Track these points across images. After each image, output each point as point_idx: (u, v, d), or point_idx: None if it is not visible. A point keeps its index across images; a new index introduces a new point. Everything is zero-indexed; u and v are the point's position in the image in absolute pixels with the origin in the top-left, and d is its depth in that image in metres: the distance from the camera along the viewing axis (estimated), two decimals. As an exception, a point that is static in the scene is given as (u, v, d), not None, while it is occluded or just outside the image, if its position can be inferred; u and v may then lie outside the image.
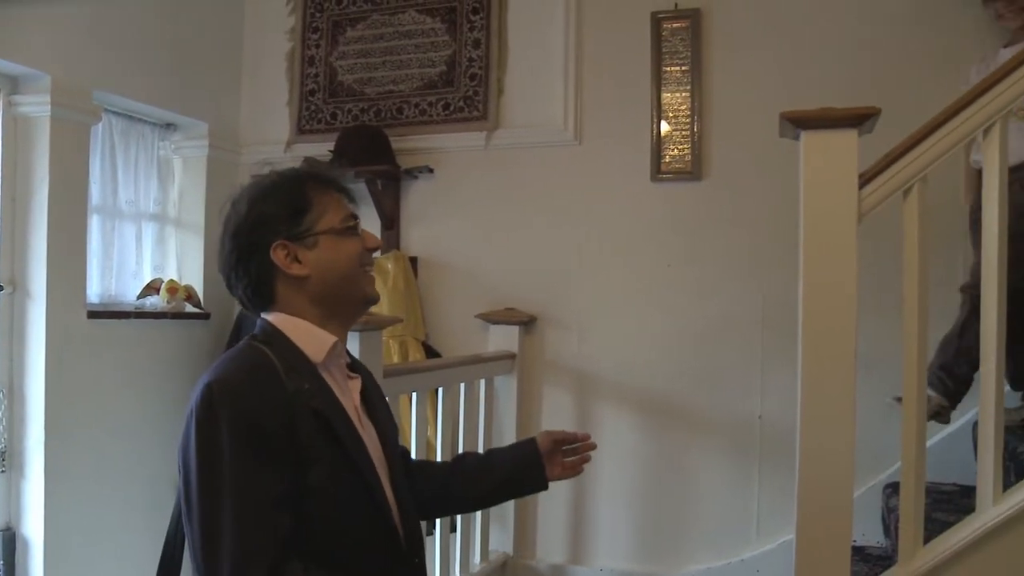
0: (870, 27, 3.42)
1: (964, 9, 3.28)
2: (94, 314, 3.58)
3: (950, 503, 2.72)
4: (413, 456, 1.97)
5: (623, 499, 3.69)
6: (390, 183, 4.03)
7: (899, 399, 2.10)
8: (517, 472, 1.89)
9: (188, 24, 4.09)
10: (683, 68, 3.67)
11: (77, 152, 3.51)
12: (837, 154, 2.03)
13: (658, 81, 3.70)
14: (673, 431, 3.66)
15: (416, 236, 4.04)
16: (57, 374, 3.38)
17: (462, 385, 3.35)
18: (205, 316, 4.12)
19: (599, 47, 3.82)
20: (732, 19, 3.64)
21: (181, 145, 4.23)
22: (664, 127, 3.68)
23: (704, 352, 3.59)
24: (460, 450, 3.37)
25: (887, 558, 2.88)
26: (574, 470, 1.93)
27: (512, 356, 3.78)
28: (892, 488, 3.00)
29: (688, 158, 3.64)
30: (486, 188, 3.95)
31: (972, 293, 2.77)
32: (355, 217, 1.64)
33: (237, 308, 4.15)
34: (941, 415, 2.86)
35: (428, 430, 3.41)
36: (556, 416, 3.81)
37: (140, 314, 3.84)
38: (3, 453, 3.34)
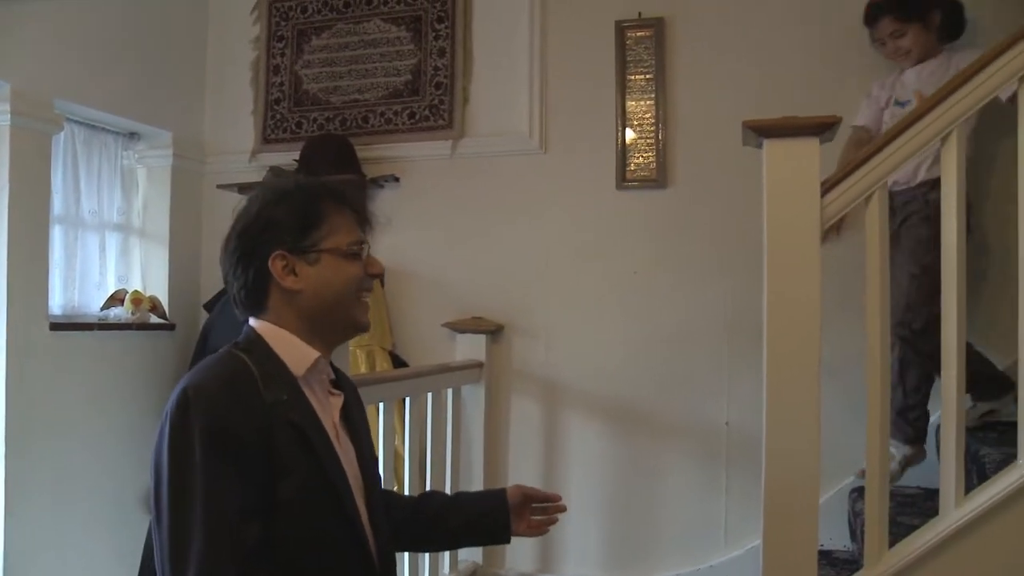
0: (832, 37, 3.45)
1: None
2: (56, 326, 3.53)
3: (914, 506, 2.75)
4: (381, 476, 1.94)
5: (592, 506, 3.69)
6: (356, 192, 4.01)
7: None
8: (482, 520, 1.87)
9: (152, 33, 4.06)
10: (647, 76, 3.69)
11: (38, 162, 3.46)
12: (799, 162, 2.05)
13: (622, 89, 3.71)
14: (641, 438, 3.67)
15: (383, 245, 3.97)
16: (18, 387, 3.33)
17: (429, 394, 3.34)
18: (170, 327, 4.09)
19: (564, 56, 3.84)
20: (696, 28, 3.66)
21: (145, 154, 4.19)
22: (629, 135, 3.70)
23: (671, 359, 3.61)
24: (428, 460, 3.36)
25: (854, 562, 2.90)
26: (539, 530, 1.90)
27: (479, 365, 3.78)
28: (858, 492, 3.02)
29: (653, 166, 3.66)
30: (452, 197, 3.95)
31: (900, 333, 2.82)
32: (363, 242, 1.63)
33: (203, 319, 4.12)
34: (913, 461, 2.91)
35: (395, 440, 3.40)
36: (524, 425, 3.81)
37: (104, 325, 3.80)
38: (-37, 468, 3.29)
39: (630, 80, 3.71)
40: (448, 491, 3.49)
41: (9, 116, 3.29)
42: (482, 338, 3.81)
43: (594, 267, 3.74)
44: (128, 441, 3.85)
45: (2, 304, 3.30)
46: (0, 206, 3.31)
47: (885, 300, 2.07)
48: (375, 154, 4.04)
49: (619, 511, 3.69)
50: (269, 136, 4.29)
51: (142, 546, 3.82)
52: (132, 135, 4.15)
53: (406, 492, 3.13)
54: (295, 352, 1.56)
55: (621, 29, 3.72)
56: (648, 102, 3.68)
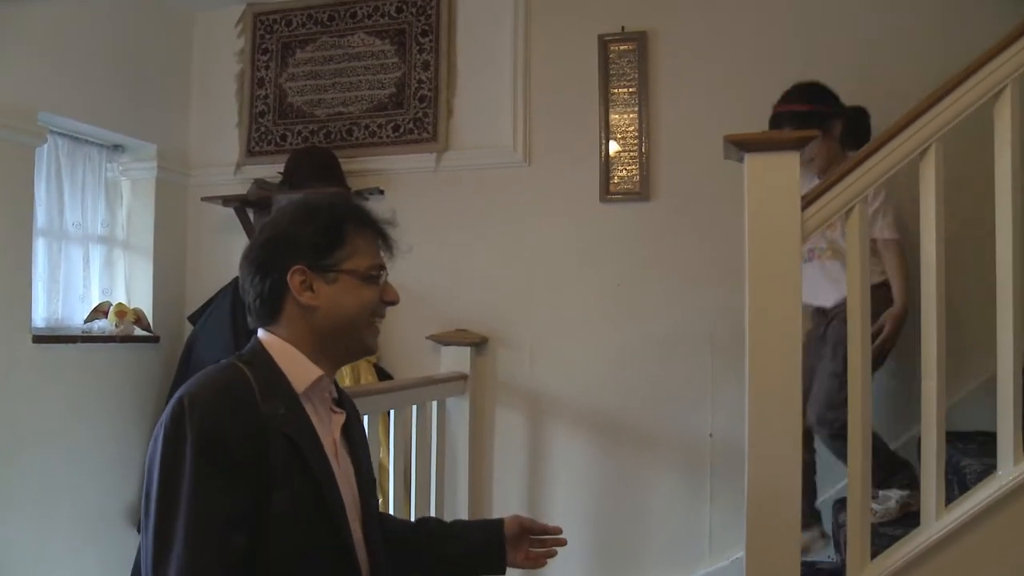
0: (813, 52, 3.48)
1: (901, 37, 3.36)
2: (40, 338, 3.52)
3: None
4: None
5: (576, 518, 3.69)
6: (341, 205, 4.01)
7: None
8: (478, 549, 1.87)
9: (136, 45, 4.06)
10: (630, 90, 3.71)
11: (22, 174, 3.47)
12: (780, 176, 2.07)
13: (606, 102, 3.73)
14: (625, 449, 3.68)
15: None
16: (1, 400, 3.31)
17: (414, 407, 3.34)
18: (154, 340, 4.08)
19: (547, 69, 3.86)
20: (678, 42, 3.69)
21: (129, 167, 4.19)
22: (612, 148, 3.72)
23: (655, 370, 3.62)
24: (413, 472, 3.35)
25: (837, 572, 2.90)
26: (536, 563, 1.93)
27: (464, 377, 3.78)
28: (841, 504, 3.03)
29: (636, 179, 3.68)
30: (436, 209, 3.96)
31: (820, 432, 2.89)
32: (383, 267, 1.65)
33: (188, 331, 4.12)
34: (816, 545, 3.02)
35: (380, 452, 3.40)
36: (509, 436, 3.82)
37: (87, 338, 3.79)
38: (-55, 482, 3.27)
39: (613, 93, 3.73)
40: (433, 504, 3.49)
41: (-8, 128, 3.29)
42: (467, 350, 3.81)
43: (578, 279, 3.75)
44: (112, 454, 3.84)
45: (-15, 317, 3.29)
46: (-17, 219, 3.30)
47: (866, 312, 2.09)
48: (359, 167, 4.05)
49: (604, 522, 3.69)
50: (254, 149, 4.29)
51: (126, 558, 3.81)
52: (116, 147, 4.14)
53: (391, 504, 3.13)
54: (299, 368, 1.57)
55: (604, 43, 3.74)
56: (631, 115, 3.70)
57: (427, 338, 3.85)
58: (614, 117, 3.72)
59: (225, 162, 4.32)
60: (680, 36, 3.69)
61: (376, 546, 1.65)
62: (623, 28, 3.72)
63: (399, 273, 1.78)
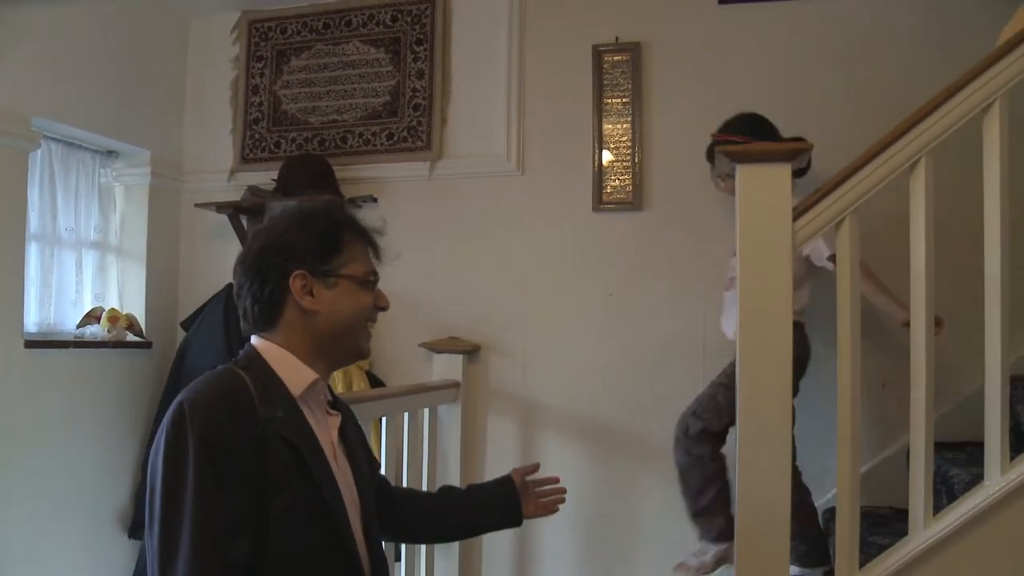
0: (805, 64, 3.52)
1: (895, 49, 3.39)
2: (32, 343, 3.52)
3: (886, 526, 2.78)
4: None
5: (568, 525, 3.70)
6: (334, 212, 4.02)
7: None
8: (498, 507, 2.03)
9: (131, 51, 4.06)
10: (624, 100, 3.73)
11: (15, 178, 3.46)
12: (771, 187, 2.08)
13: (599, 112, 3.75)
14: (617, 457, 3.68)
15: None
16: (-7, 405, 3.32)
17: (406, 414, 3.34)
18: (147, 345, 4.08)
19: (541, 79, 3.88)
20: (672, 53, 3.71)
21: (123, 172, 4.19)
22: (606, 158, 3.74)
23: (647, 379, 3.63)
24: (404, 480, 3.35)
25: (825, 581, 2.93)
26: (547, 509, 2.09)
27: (456, 385, 3.79)
28: (830, 513, 3.05)
29: (629, 188, 3.69)
30: (430, 217, 3.97)
31: (676, 432, 2.98)
32: (376, 274, 1.71)
33: (180, 337, 4.11)
34: (727, 558, 2.93)
35: (372, 459, 3.40)
36: (501, 444, 3.82)
37: (80, 343, 3.78)
38: (-64, 487, 3.27)
39: (607, 103, 3.75)
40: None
41: (-14, 133, 3.29)
42: (459, 358, 3.82)
43: (570, 288, 3.76)
44: (104, 459, 3.84)
45: (-23, 322, 3.28)
46: (-24, 223, 3.30)
47: (856, 322, 2.11)
48: (353, 174, 4.06)
49: (596, 530, 3.70)
50: (248, 155, 4.29)
51: (118, 563, 3.81)
52: (110, 153, 4.15)
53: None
54: (294, 372, 1.60)
55: (598, 53, 3.76)
56: (625, 125, 3.72)
57: (419, 345, 3.86)
58: (607, 127, 3.74)
59: (219, 169, 4.32)
60: (674, 47, 3.71)
61: (376, 544, 1.68)
62: (617, 39, 3.74)
63: (392, 281, 1.81)
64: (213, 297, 4.04)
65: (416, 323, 3.88)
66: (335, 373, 3.67)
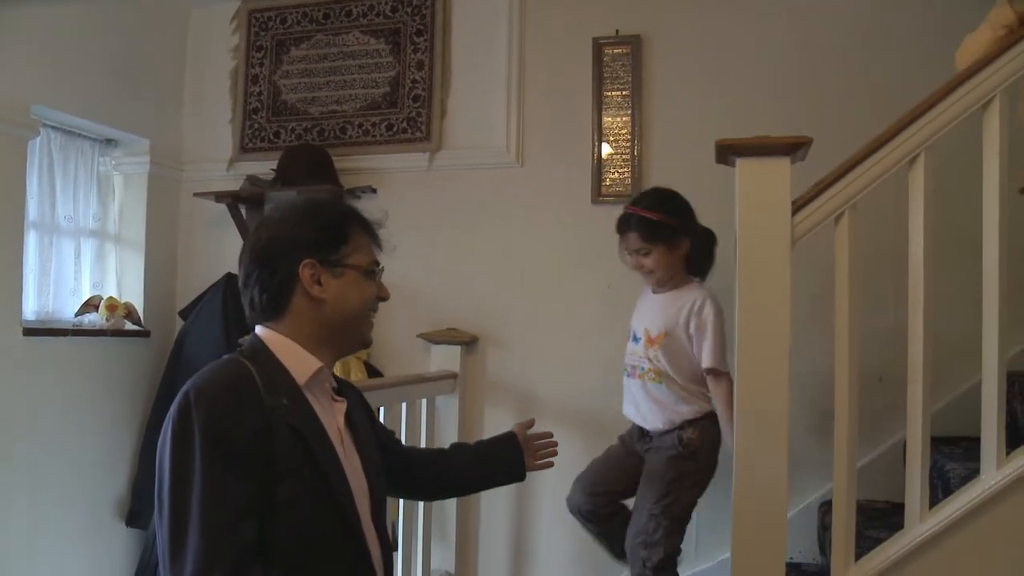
0: (805, 58, 3.52)
1: (895, 43, 3.39)
2: (30, 331, 3.53)
3: (882, 520, 2.79)
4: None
5: (564, 517, 3.68)
6: (333, 202, 4.02)
7: None
8: (503, 462, 2.14)
9: (130, 40, 4.06)
10: (624, 93, 3.73)
11: (14, 167, 3.47)
12: (771, 181, 2.08)
13: (599, 105, 3.76)
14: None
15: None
16: (-9, 392, 3.32)
17: (404, 405, 3.35)
18: (145, 334, 4.08)
19: (541, 71, 3.88)
20: (672, 46, 3.71)
21: (122, 161, 4.19)
22: (605, 150, 3.74)
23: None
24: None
25: (823, 574, 2.94)
26: (546, 464, 2.21)
27: (454, 376, 3.80)
28: (827, 506, 3.06)
29: (628, 181, 3.70)
30: (429, 208, 3.97)
31: (638, 570, 2.77)
32: (379, 264, 1.75)
33: (178, 326, 4.12)
34: None
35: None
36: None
37: (78, 331, 3.79)
38: (-66, 475, 3.27)
39: (607, 96, 3.75)
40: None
41: (-15, 121, 3.29)
42: (457, 349, 3.82)
43: (569, 280, 3.76)
44: (102, 447, 3.85)
45: (-24, 309, 3.29)
46: (-25, 211, 3.30)
47: (854, 317, 2.11)
48: (352, 165, 4.06)
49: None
50: (247, 145, 4.29)
51: (115, 550, 3.82)
52: (109, 142, 4.14)
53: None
54: (299, 361, 1.63)
55: (598, 46, 3.76)
56: (624, 118, 3.72)
57: (417, 336, 3.86)
58: (607, 119, 3.74)
59: (218, 158, 4.33)
60: (674, 40, 3.71)
61: (384, 530, 1.71)
62: (617, 31, 3.74)
63: (390, 272, 1.82)
64: (211, 286, 4.05)
65: (414, 314, 3.88)
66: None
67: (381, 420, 3.24)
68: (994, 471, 2.05)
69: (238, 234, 4.11)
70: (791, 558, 3.18)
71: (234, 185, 4.13)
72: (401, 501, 3.31)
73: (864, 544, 2.20)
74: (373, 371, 3.90)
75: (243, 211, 4.13)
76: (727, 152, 2.11)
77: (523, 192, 3.86)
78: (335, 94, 4.18)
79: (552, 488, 3.69)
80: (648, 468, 2.78)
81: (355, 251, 1.69)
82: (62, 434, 3.65)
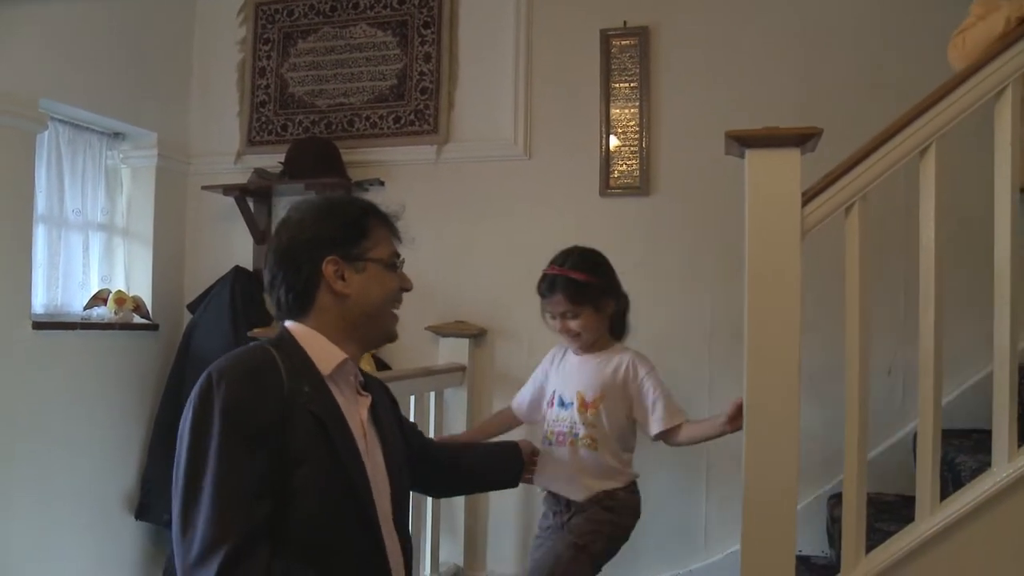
0: (814, 48, 3.50)
1: (905, 33, 3.37)
2: (39, 325, 3.53)
3: (892, 513, 2.78)
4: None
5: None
6: (341, 195, 4.02)
7: None
8: (507, 468, 2.33)
9: (138, 34, 4.06)
10: (631, 84, 3.72)
11: (22, 160, 3.47)
12: (781, 172, 2.07)
13: (607, 97, 3.74)
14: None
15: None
16: (0, 386, 3.32)
17: (412, 397, 3.35)
18: (153, 328, 4.09)
19: (549, 63, 3.87)
20: (680, 37, 3.70)
21: (130, 155, 4.19)
22: (613, 143, 3.73)
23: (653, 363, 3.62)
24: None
25: (831, 567, 2.92)
26: (528, 478, 2.40)
27: (462, 368, 3.79)
28: (837, 499, 3.05)
29: (636, 173, 3.69)
30: (437, 201, 3.96)
31: None
32: (399, 256, 1.80)
33: (187, 319, 4.12)
34: None
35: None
36: (506, 428, 3.82)
37: (87, 325, 3.80)
38: (-56, 467, 3.28)
39: (614, 88, 3.74)
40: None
41: (-7, 115, 3.29)
42: (465, 342, 3.82)
43: (577, 273, 3.75)
44: (111, 440, 3.85)
45: (-15, 303, 3.29)
46: (-16, 204, 3.31)
47: (865, 308, 2.10)
48: (360, 157, 4.05)
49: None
50: (254, 138, 4.29)
51: (124, 544, 3.84)
52: (117, 135, 4.15)
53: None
54: (324, 352, 1.67)
55: (606, 37, 3.75)
56: (632, 110, 3.71)
57: (426, 329, 3.86)
58: (615, 111, 3.73)
59: (225, 151, 4.32)
60: (682, 31, 3.70)
61: (404, 526, 1.75)
62: (625, 23, 3.73)
63: (397, 263, 1.84)
64: (219, 280, 4.05)
65: (422, 307, 3.87)
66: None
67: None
68: (1006, 464, 2.04)
69: (246, 227, 4.12)
70: (800, 551, 3.18)
71: (242, 178, 4.13)
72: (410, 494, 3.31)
73: (874, 537, 2.19)
74: (381, 364, 3.90)
75: (251, 204, 4.13)
76: (737, 143, 2.10)
77: (531, 185, 3.85)
78: (342, 87, 4.17)
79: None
80: (569, 528, 2.56)
81: (375, 245, 1.73)
82: (71, 427, 3.66)
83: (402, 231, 1.86)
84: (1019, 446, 2.06)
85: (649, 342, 3.62)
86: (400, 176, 4.02)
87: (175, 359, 4.01)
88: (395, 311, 1.81)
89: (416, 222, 3.84)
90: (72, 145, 3.89)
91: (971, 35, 2.33)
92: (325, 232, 1.69)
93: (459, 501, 3.76)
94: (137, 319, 4.00)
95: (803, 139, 2.05)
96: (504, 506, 3.80)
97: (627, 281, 3.63)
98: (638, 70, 3.71)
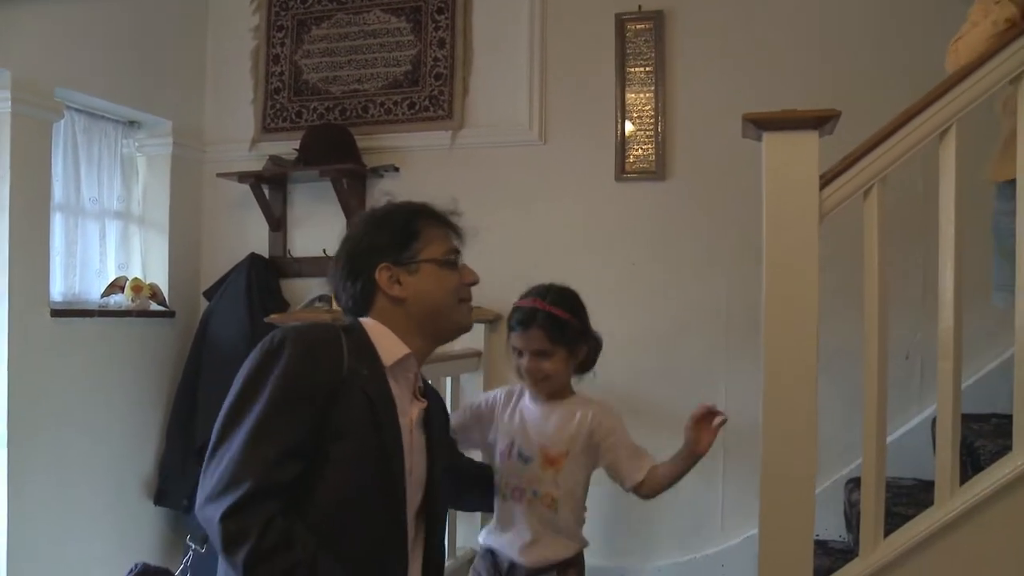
0: (832, 30, 3.48)
1: (924, 14, 3.34)
2: (57, 312, 3.55)
3: (910, 497, 2.77)
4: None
5: (589, 496, 3.70)
6: (355, 182, 4.03)
7: None
8: (483, 494, 2.32)
9: (152, 22, 4.06)
10: (647, 69, 3.70)
11: (39, 149, 3.48)
12: (798, 155, 2.06)
13: (622, 82, 3.73)
14: (638, 428, 3.62)
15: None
16: (20, 373, 3.35)
17: (428, 382, 3.35)
18: (170, 315, 4.10)
19: (564, 48, 3.85)
20: (695, 20, 3.67)
21: (145, 143, 4.20)
22: (628, 127, 3.72)
23: (669, 350, 3.62)
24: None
25: (849, 551, 2.92)
26: None
27: (478, 354, 3.80)
28: (854, 483, 3.04)
29: (652, 158, 3.67)
30: (451, 187, 3.89)
31: None
32: (457, 251, 1.87)
33: (203, 306, 4.14)
34: None
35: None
36: (522, 414, 3.83)
37: (104, 312, 3.81)
38: (-34, 454, 3.31)
39: (630, 72, 3.72)
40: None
41: (10, 104, 3.30)
42: (480, 327, 3.82)
43: (592, 258, 3.74)
44: (128, 426, 3.88)
45: (4, 290, 3.31)
46: (1, 193, 3.32)
47: (883, 293, 2.09)
48: (375, 144, 4.05)
49: (616, 500, 3.69)
50: (269, 125, 4.29)
51: (143, 529, 3.87)
52: (132, 123, 4.15)
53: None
54: (388, 344, 1.73)
55: (621, 21, 3.73)
56: (648, 94, 3.69)
57: (442, 315, 3.86)
58: (630, 96, 3.72)
59: (240, 139, 4.32)
60: (697, 15, 3.67)
61: (437, 541, 1.83)
62: (640, 7, 3.71)
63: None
64: (235, 267, 4.06)
65: (438, 293, 3.87)
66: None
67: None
68: (1026, 448, 2.03)
69: (261, 214, 4.12)
70: (817, 535, 3.17)
71: (257, 165, 4.13)
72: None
73: (892, 521, 2.18)
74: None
75: (266, 191, 4.14)
76: (754, 126, 2.09)
77: (546, 170, 3.84)
78: (356, 73, 4.16)
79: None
80: None
81: (427, 245, 1.80)
82: (90, 413, 3.68)
83: (465, 224, 1.97)
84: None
85: (664, 326, 3.64)
86: (415, 162, 4.02)
87: (192, 346, 4.03)
88: (465, 303, 1.88)
89: (431, 208, 3.88)
90: (88, 134, 3.90)
91: (964, 43, 2.34)
92: (376, 241, 1.77)
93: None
94: (154, 306, 4.01)
95: (821, 121, 2.04)
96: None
97: (642, 266, 3.65)
98: (653, 54, 3.69)
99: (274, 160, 4.06)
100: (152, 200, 4.22)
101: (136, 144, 4.19)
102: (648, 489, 2.41)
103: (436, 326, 1.82)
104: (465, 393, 3.78)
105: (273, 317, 3.23)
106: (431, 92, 4.03)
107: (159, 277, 4.13)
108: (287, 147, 4.08)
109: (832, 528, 3.27)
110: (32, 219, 3.43)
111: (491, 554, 2.35)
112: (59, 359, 3.53)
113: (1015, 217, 2.05)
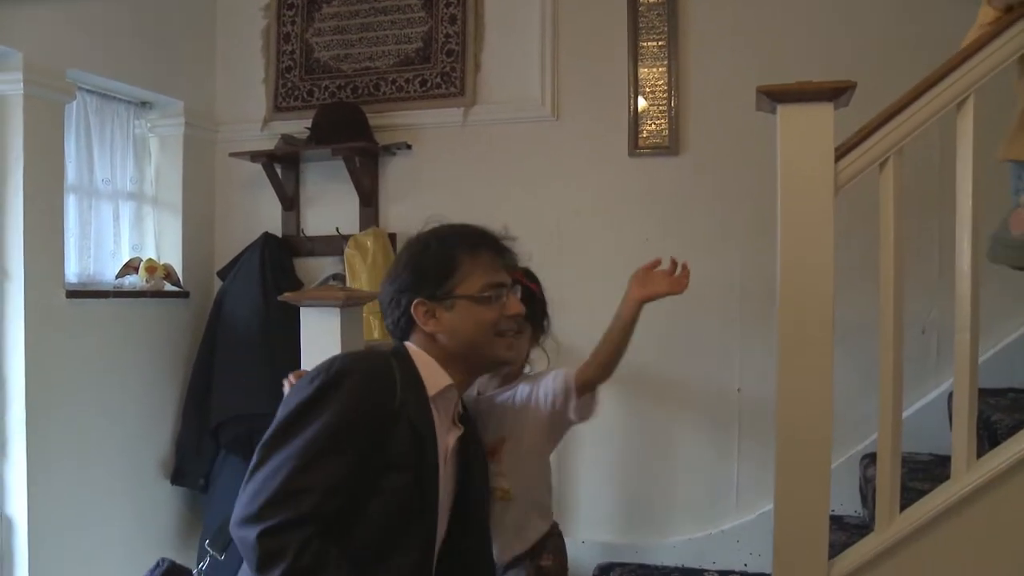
0: (845, 2, 3.44)
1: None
2: (73, 293, 3.56)
3: (925, 472, 2.77)
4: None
5: (604, 472, 3.72)
6: (368, 160, 4.02)
7: None
8: None
9: (162, 2, 4.04)
10: (660, 43, 3.67)
11: (51, 131, 3.47)
12: (813, 128, 2.04)
13: (635, 56, 3.70)
14: (653, 405, 3.68)
15: (394, 213, 4.03)
16: (36, 354, 3.36)
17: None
18: (184, 295, 4.11)
19: (576, 23, 3.82)
20: (709, -7, 3.64)
21: (157, 123, 4.19)
22: (641, 103, 3.69)
23: (683, 326, 3.61)
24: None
25: (864, 527, 2.92)
26: None
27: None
28: (869, 458, 3.04)
29: (665, 133, 3.65)
30: (464, 164, 3.95)
31: None
32: (500, 284, 1.82)
33: (217, 286, 4.14)
34: None
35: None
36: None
37: (119, 293, 3.82)
38: (-16, 434, 3.33)
39: (643, 47, 3.69)
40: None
41: (22, 85, 3.29)
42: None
43: (606, 234, 3.73)
44: (144, 406, 3.89)
45: (19, 272, 3.32)
46: (15, 175, 3.32)
47: (899, 266, 2.08)
48: (387, 122, 4.04)
49: (632, 476, 3.71)
50: (281, 104, 4.28)
51: (159, 509, 3.89)
52: (144, 104, 4.14)
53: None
54: (432, 374, 1.75)
55: (634, -5, 3.70)
56: (661, 69, 3.66)
57: (455, 293, 3.85)
58: (643, 71, 3.69)
59: (252, 118, 4.31)
60: (710, -12, 3.64)
61: (462, 564, 1.83)
62: (653, -20, 3.68)
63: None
64: (249, 247, 4.07)
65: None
66: (371, 321, 3.69)
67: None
68: (1044, 421, 2.02)
69: (274, 193, 4.12)
70: (832, 510, 3.17)
71: (269, 145, 4.13)
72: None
73: (907, 496, 2.18)
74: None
75: (278, 170, 4.13)
76: (768, 99, 2.07)
77: (559, 146, 3.82)
78: (368, 51, 4.14)
79: (591, 441, 3.70)
80: None
81: (465, 279, 1.78)
82: (105, 394, 3.70)
83: (516, 247, 1.99)
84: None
85: (678, 302, 3.61)
86: (427, 139, 4.01)
87: (206, 325, 4.04)
88: (502, 338, 1.83)
89: (443, 185, 3.91)
90: (100, 115, 3.89)
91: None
92: (411, 277, 1.78)
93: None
94: (168, 287, 4.02)
95: (836, 93, 2.02)
96: (595, 475, 3.79)
97: (656, 241, 3.63)
98: (666, 28, 3.66)
99: (286, 139, 4.05)
100: (165, 181, 4.21)
101: (148, 125, 4.18)
102: (593, 372, 2.31)
103: (473, 359, 1.82)
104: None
105: (287, 296, 3.21)
106: (443, 69, 4.01)
107: (173, 257, 4.13)
108: (299, 126, 4.07)
109: (848, 503, 3.27)
110: (46, 201, 3.44)
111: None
112: (75, 340, 3.55)
113: None
